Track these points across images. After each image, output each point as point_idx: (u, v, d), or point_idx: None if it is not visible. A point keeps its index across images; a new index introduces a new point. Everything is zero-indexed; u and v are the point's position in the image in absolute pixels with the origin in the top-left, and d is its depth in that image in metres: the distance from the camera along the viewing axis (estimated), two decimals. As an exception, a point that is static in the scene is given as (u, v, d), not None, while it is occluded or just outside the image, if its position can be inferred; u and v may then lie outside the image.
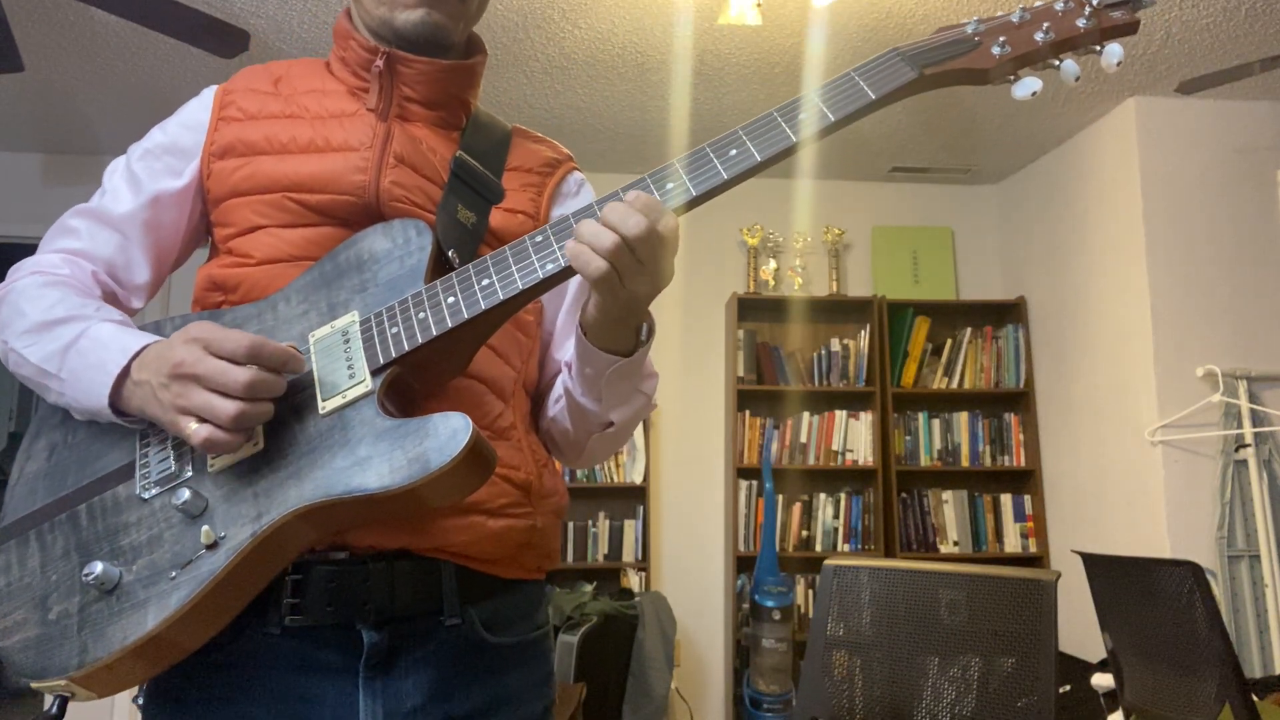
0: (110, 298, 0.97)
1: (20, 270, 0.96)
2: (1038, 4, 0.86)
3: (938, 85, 0.86)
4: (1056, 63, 0.85)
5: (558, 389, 1.01)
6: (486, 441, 0.77)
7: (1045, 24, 0.84)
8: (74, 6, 2.82)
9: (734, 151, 0.82)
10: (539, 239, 0.83)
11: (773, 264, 4.30)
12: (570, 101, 3.57)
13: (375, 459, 0.77)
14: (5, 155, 4.01)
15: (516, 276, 0.82)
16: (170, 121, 1.02)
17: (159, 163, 0.99)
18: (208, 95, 1.01)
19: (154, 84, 3.38)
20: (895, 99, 0.84)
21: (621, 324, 0.86)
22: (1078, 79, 0.85)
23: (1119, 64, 0.83)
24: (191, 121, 1.00)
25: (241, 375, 0.77)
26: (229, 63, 2.82)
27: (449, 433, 0.75)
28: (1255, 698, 1.82)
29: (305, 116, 0.97)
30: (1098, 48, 0.84)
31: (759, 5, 2.56)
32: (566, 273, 0.82)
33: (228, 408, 0.76)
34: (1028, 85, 0.85)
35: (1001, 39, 0.84)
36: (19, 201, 3.99)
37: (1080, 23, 0.83)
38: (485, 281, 0.82)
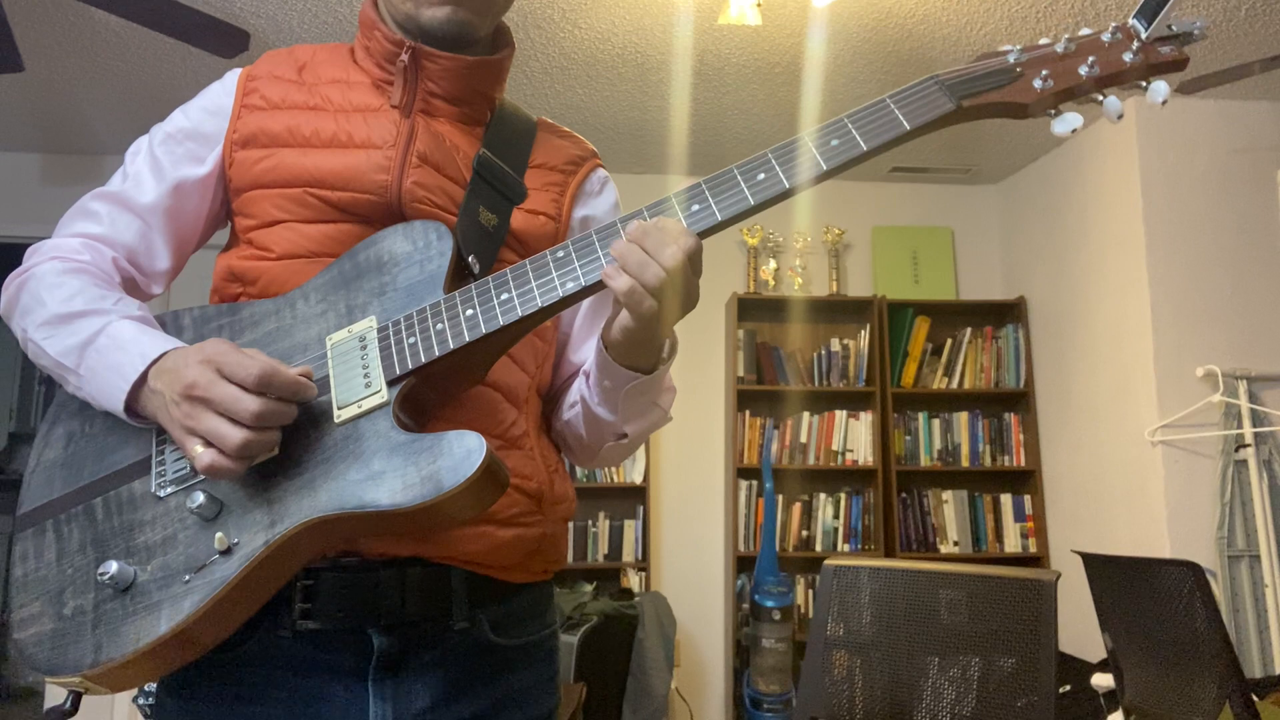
0: (130, 284, 0.97)
1: (40, 253, 0.94)
2: (1083, 34, 0.82)
3: (973, 118, 0.82)
4: (1100, 98, 0.81)
5: (574, 395, 1.00)
6: (501, 462, 0.77)
7: (1090, 58, 0.80)
8: (74, 6, 2.82)
9: (762, 176, 0.80)
10: (560, 255, 0.82)
11: (773, 264, 4.30)
12: (570, 101, 3.57)
13: (388, 474, 0.77)
14: (5, 155, 4.01)
15: (536, 294, 0.81)
16: (192, 105, 1.01)
17: (181, 148, 0.98)
18: (231, 80, 1.00)
19: (154, 84, 3.38)
20: (930, 130, 0.81)
21: (646, 344, 0.86)
22: (1120, 117, 0.81)
23: (1164, 102, 0.79)
24: (214, 106, 0.99)
25: (251, 405, 0.76)
26: (229, 63, 2.81)
27: (463, 453, 0.75)
28: (1255, 698, 1.82)
29: (329, 109, 0.96)
30: (1143, 84, 0.80)
31: (759, 5, 2.56)
32: (587, 291, 0.81)
33: (235, 436, 0.76)
34: (1069, 121, 0.80)
35: (1044, 72, 0.80)
36: (19, 201, 3.99)
37: (1127, 57, 0.79)
38: (504, 296, 0.82)
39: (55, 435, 0.91)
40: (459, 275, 0.87)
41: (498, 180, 0.97)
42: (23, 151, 4.02)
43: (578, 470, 3.98)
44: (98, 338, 0.86)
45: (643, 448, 4.02)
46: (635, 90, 3.47)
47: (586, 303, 1.05)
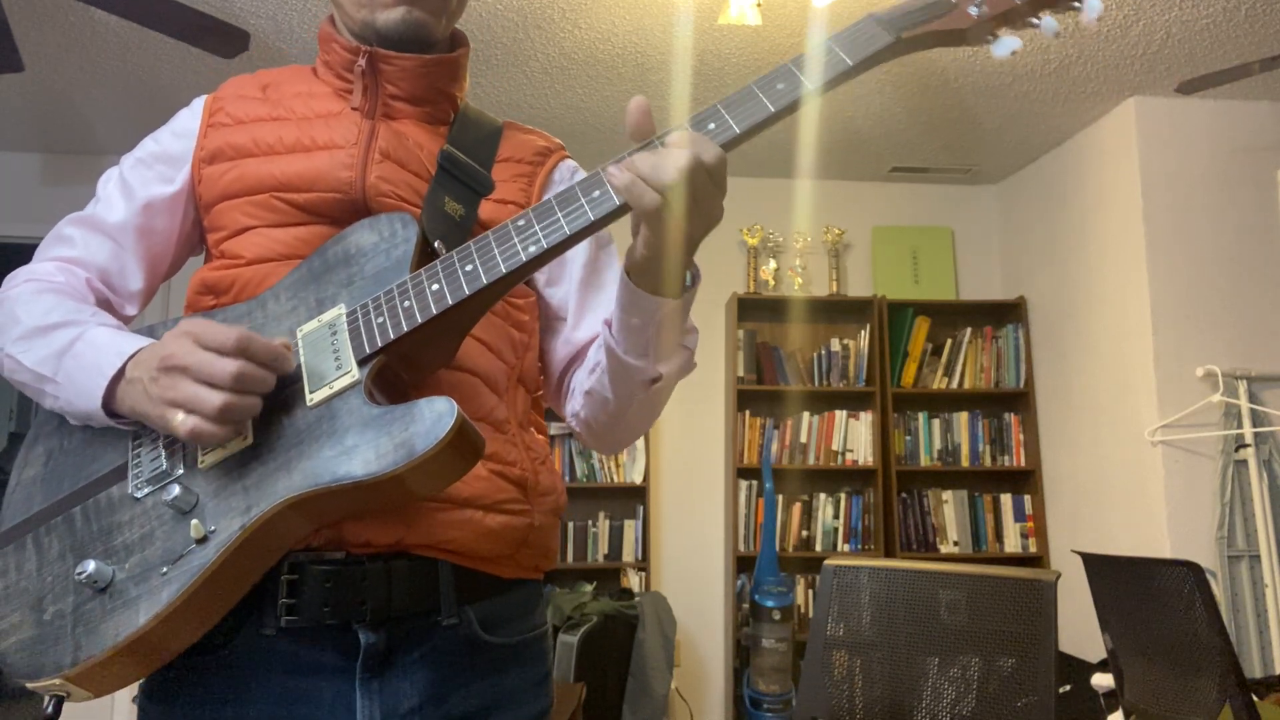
0: (104, 304, 0.99)
1: (15, 279, 0.97)
2: None
3: (915, 49, 0.85)
4: (1036, 20, 0.84)
5: (595, 355, 0.99)
6: (473, 425, 0.77)
7: None
8: (74, 6, 2.82)
9: (712, 126, 0.83)
10: (521, 222, 0.83)
11: (773, 264, 4.30)
12: (570, 101, 3.57)
13: (362, 446, 0.77)
14: (5, 155, 4.01)
15: (499, 260, 0.82)
16: (162, 131, 1.04)
17: (150, 171, 1.01)
18: (198, 104, 1.03)
19: (154, 84, 3.38)
20: (873, 64, 0.84)
21: (668, 266, 0.85)
22: (1057, 35, 0.84)
23: (1099, 18, 0.82)
24: (182, 130, 1.02)
25: (229, 366, 0.77)
26: (229, 63, 2.81)
27: (434, 417, 0.75)
28: (1255, 698, 1.82)
29: (291, 118, 0.98)
30: (1077, 3, 0.83)
31: (759, 5, 2.56)
32: (549, 255, 0.82)
33: (214, 399, 0.76)
34: (1006, 45, 0.84)
35: None
36: (19, 201, 3.99)
37: None
38: (469, 267, 0.82)
39: (34, 454, 0.92)
40: (426, 261, 0.88)
41: (462, 173, 0.98)
42: (23, 151, 4.02)
43: (577, 469, 3.98)
44: (75, 344, 0.87)
45: (643, 448, 4.02)
46: (635, 90, 3.47)
47: (577, 284, 1.05)
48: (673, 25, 3.00)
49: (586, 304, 1.05)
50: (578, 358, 1.04)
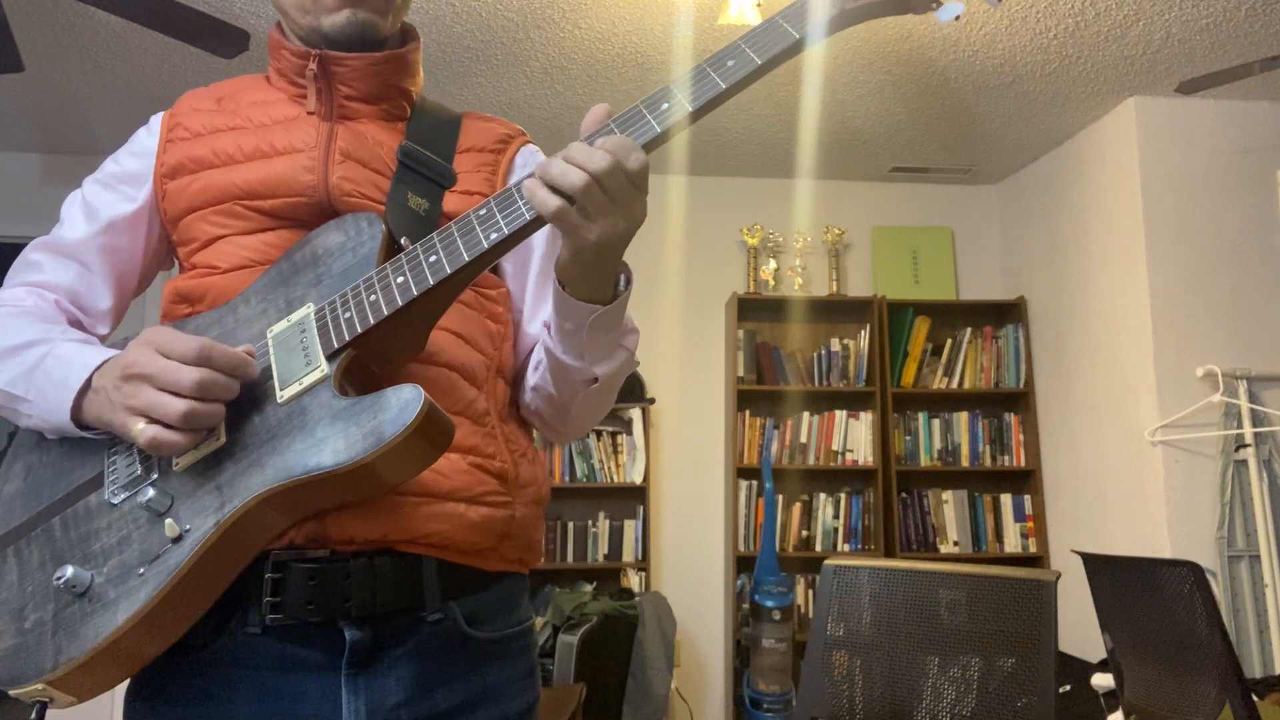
0: (75, 325, 1.00)
1: None
2: None
3: (862, 19, 0.88)
4: None
5: (538, 353, 1.01)
6: (441, 411, 0.77)
7: None
8: (74, 6, 2.82)
9: (665, 105, 0.84)
10: (482, 212, 0.84)
11: (773, 264, 4.30)
12: (570, 101, 3.57)
13: (332, 437, 0.78)
14: (5, 155, 4.01)
15: (462, 249, 0.83)
16: (121, 151, 1.05)
17: (112, 193, 1.02)
18: (155, 122, 1.04)
19: (154, 84, 3.38)
20: (820, 36, 0.87)
21: (596, 270, 0.86)
22: (1000, 1, 0.86)
23: None
24: (140, 149, 1.03)
25: (191, 374, 0.78)
26: (229, 63, 2.81)
27: (401, 404, 0.76)
28: (1255, 698, 1.82)
29: (249, 126, 0.99)
30: None
31: (759, 5, 2.56)
32: (511, 240, 0.82)
33: (177, 406, 0.77)
34: (950, 10, 0.87)
35: None
36: (19, 201, 3.99)
37: None
38: (433, 258, 0.83)
39: (14, 470, 0.93)
40: (392, 256, 0.88)
41: (424, 167, 0.99)
42: (23, 151, 4.02)
43: (577, 469, 3.98)
44: (44, 360, 0.88)
45: (643, 448, 4.02)
46: (635, 90, 3.47)
47: (534, 275, 1.06)
48: (673, 25, 3.00)
49: (540, 297, 1.06)
50: (532, 350, 1.05)
